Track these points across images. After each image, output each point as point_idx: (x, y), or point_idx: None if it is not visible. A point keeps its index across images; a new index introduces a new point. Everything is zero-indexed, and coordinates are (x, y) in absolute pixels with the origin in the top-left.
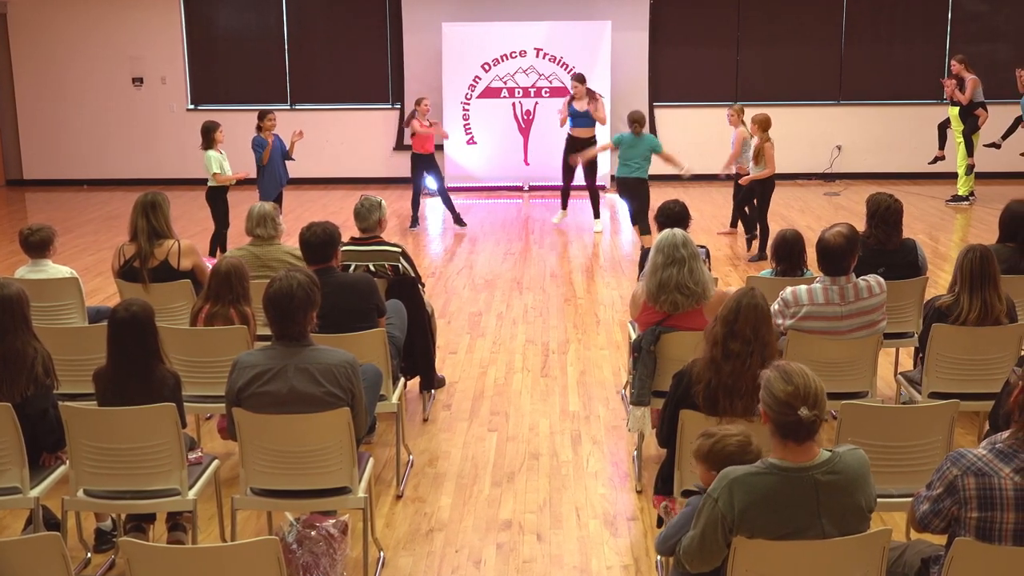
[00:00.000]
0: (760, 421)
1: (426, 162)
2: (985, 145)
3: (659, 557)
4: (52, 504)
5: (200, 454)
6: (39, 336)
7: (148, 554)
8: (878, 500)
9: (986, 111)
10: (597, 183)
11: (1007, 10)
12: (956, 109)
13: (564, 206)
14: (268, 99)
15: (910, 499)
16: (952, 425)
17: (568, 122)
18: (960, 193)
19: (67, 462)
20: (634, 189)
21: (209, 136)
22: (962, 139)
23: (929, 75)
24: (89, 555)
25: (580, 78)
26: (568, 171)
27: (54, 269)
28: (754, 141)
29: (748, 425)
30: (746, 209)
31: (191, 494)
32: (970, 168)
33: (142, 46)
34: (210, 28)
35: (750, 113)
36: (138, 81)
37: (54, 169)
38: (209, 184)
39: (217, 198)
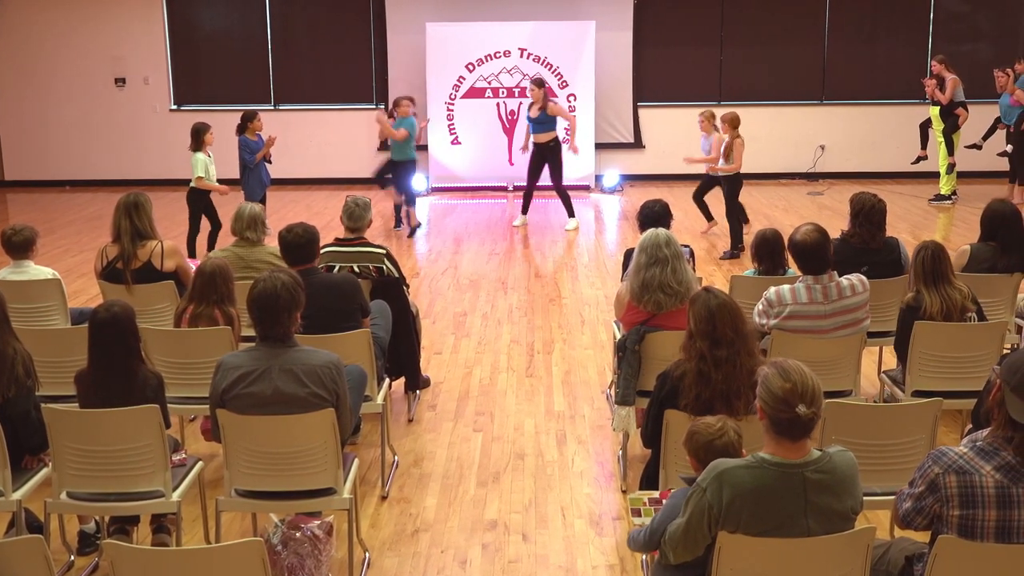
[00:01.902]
0: (753, 419)
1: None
2: (967, 147)
3: (644, 556)
4: (35, 507)
5: (184, 456)
6: (20, 337)
7: (132, 556)
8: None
9: (967, 111)
10: (580, 183)
11: (988, 10)
12: (937, 109)
13: (524, 211)
14: (252, 99)
15: (894, 497)
16: (935, 423)
17: (529, 129)
18: (943, 192)
19: (50, 464)
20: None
21: (199, 138)
22: (943, 139)
23: (911, 75)
24: (72, 558)
25: (539, 82)
26: (533, 175)
27: (36, 270)
28: (725, 138)
29: (741, 422)
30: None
31: (175, 496)
32: (951, 167)
33: (124, 46)
34: (193, 28)
35: (720, 114)
36: (120, 81)
37: (36, 170)
38: (191, 185)
39: (197, 200)
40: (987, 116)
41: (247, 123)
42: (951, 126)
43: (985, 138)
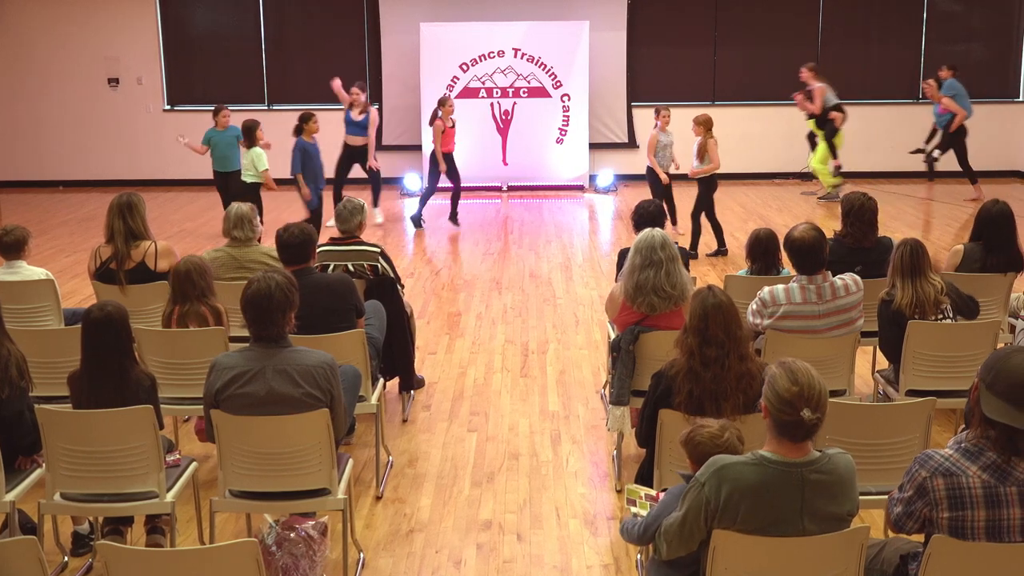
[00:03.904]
0: (743, 419)
1: (448, 161)
2: (911, 152)
3: (639, 556)
4: (28, 508)
5: (178, 456)
6: (13, 338)
7: (126, 557)
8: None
9: (842, 111)
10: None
11: (982, 9)
12: (813, 120)
13: (376, 203)
14: (246, 100)
15: (887, 496)
16: (929, 422)
17: (346, 131)
18: (829, 190)
19: (43, 465)
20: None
21: (252, 134)
22: (825, 143)
23: (905, 75)
24: (66, 559)
25: (362, 85)
26: (343, 171)
27: (29, 271)
28: (698, 140)
29: (735, 422)
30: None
31: (169, 497)
32: (837, 169)
33: (118, 46)
34: (186, 28)
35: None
36: (114, 82)
37: (29, 170)
38: (249, 180)
39: (252, 194)
40: (981, 116)
41: (303, 124)
42: (830, 131)
43: (927, 142)
